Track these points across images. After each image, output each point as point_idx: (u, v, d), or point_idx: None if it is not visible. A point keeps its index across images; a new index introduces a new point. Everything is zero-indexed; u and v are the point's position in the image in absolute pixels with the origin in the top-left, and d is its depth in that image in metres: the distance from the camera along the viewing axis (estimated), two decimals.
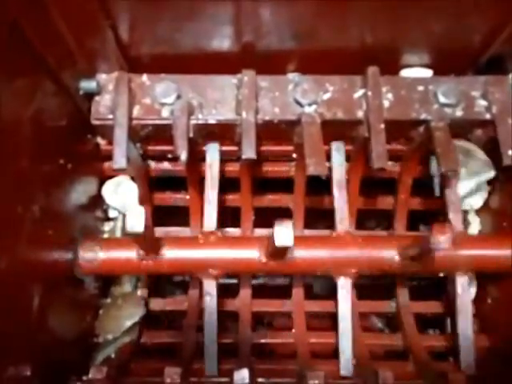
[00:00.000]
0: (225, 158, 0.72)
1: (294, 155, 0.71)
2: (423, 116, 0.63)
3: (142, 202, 0.73)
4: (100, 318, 0.70)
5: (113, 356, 0.69)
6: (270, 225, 0.74)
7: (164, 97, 0.62)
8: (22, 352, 0.50)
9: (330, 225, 0.70)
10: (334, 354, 0.71)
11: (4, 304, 0.46)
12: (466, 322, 0.64)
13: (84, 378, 0.57)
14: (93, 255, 0.63)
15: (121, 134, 0.60)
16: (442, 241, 0.52)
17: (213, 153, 0.68)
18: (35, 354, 0.53)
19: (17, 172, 0.48)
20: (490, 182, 0.75)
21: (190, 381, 0.56)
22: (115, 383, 0.55)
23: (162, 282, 0.80)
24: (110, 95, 0.63)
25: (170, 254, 0.65)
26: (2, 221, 0.45)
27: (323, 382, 0.54)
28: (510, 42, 0.61)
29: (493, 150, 0.64)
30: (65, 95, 0.59)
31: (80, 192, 0.65)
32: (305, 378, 0.55)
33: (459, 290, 0.65)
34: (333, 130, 0.63)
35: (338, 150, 0.68)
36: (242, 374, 0.55)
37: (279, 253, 0.61)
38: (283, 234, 0.52)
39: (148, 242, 0.60)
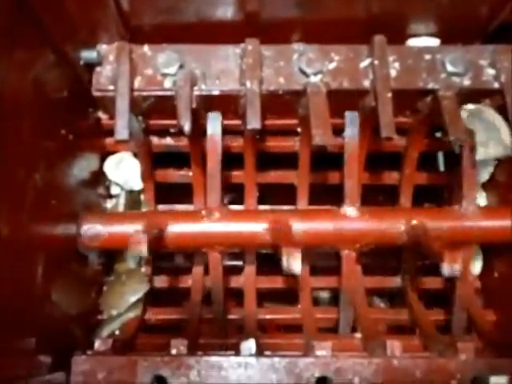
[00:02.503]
0: (227, 133, 0.71)
1: (299, 129, 0.70)
2: (431, 85, 0.62)
3: (144, 178, 0.73)
4: (104, 294, 0.70)
5: (117, 332, 0.69)
6: (274, 202, 0.74)
7: (166, 67, 0.61)
8: (26, 324, 0.50)
9: (334, 201, 0.70)
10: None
11: (7, 273, 0.45)
12: None
13: (89, 351, 0.56)
14: (96, 230, 0.62)
15: (122, 105, 0.59)
16: (454, 269, 0.53)
17: (214, 123, 0.65)
18: (40, 328, 0.52)
19: (18, 138, 0.47)
20: None
21: (197, 354, 0.56)
22: (121, 355, 0.54)
23: (165, 261, 0.79)
24: (111, 66, 0.62)
25: (173, 228, 0.64)
26: (4, 184, 0.45)
27: (331, 353, 0.54)
28: None
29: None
30: (66, 66, 0.58)
31: (82, 167, 0.65)
32: (312, 348, 0.54)
33: None
34: (338, 100, 0.62)
35: (352, 121, 0.65)
36: (249, 345, 0.55)
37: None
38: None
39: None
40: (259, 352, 0.56)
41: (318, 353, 0.53)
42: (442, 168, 0.80)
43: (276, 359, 0.54)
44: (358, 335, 0.66)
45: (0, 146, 0.44)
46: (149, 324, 0.71)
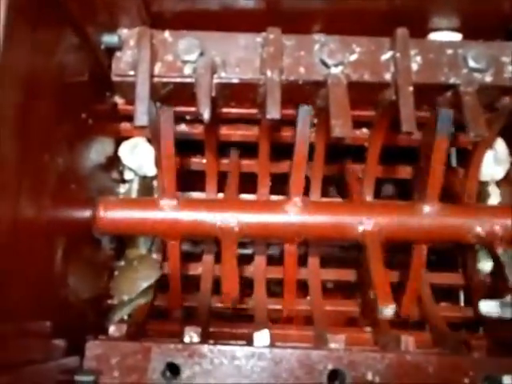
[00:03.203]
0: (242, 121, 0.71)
1: (315, 120, 0.69)
2: (452, 80, 0.61)
3: (158, 164, 0.72)
4: (115, 279, 0.70)
5: (126, 318, 0.69)
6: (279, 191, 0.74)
7: (187, 54, 0.60)
8: (43, 308, 0.50)
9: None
10: (350, 321, 0.71)
11: (28, 255, 0.45)
12: None
13: (101, 336, 0.56)
14: (111, 214, 0.62)
15: (142, 91, 0.58)
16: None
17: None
18: (56, 311, 0.52)
19: (42, 122, 0.47)
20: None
21: (209, 342, 0.56)
22: (134, 341, 0.54)
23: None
24: (131, 51, 0.62)
25: (187, 215, 0.64)
26: (30, 168, 0.45)
27: (344, 346, 0.54)
28: None
29: None
30: (87, 49, 0.57)
31: (98, 151, 0.64)
32: (326, 340, 0.54)
33: None
34: (359, 92, 0.61)
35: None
36: (263, 335, 0.55)
37: None
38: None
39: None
40: (271, 342, 0.56)
41: (332, 345, 0.53)
42: (454, 164, 0.80)
43: (289, 351, 0.54)
44: (369, 329, 0.66)
45: (25, 130, 0.44)
46: (159, 310, 0.71)
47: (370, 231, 0.63)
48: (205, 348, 0.53)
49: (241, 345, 0.55)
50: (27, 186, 0.44)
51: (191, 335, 0.54)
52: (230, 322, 0.68)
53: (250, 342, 0.56)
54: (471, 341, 0.55)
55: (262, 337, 0.55)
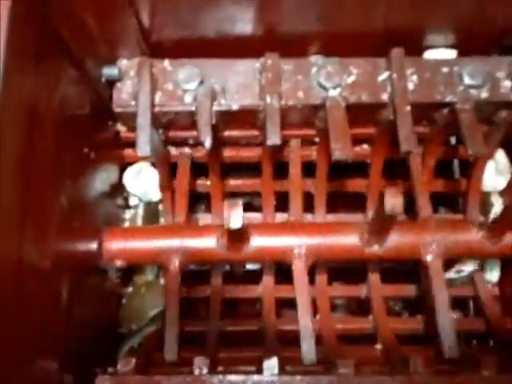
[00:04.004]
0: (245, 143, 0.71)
1: (317, 139, 0.70)
2: (449, 98, 0.62)
3: (162, 188, 0.73)
4: (123, 307, 0.70)
5: (136, 346, 0.69)
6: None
7: (187, 82, 0.61)
8: (51, 343, 0.50)
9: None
10: (360, 339, 0.71)
11: (34, 296, 0.46)
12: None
13: (110, 369, 0.56)
14: (116, 245, 0.63)
15: (144, 121, 0.59)
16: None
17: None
18: (63, 346, 0.52)
19: (45, 159, 0.47)
20: None
21: (218, 371, 0.56)
22: (143, 375, 0.54)
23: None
24: (131, 81, 0.63)
25: (190, 242, 0.64)
26: (36, 211, 0.45)
27: (353, 371, 0.54)
28: None
29: None
30: (87, 82, 0.58)
31: (103, 180, 0.65)
32: (335, 365, 0.54)
33: None
34: (357, 112, 0.62)
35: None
36: (272, 363, 0.55)
37: None
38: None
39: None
40: (280, 367, 0.56)
41: (341, 371, 0.54)
42: (457, 175, 0.80)
43: (298, 378, 0.54)
44: (379, 346, 0.67)
45: (28, 168, 0.44)
46: None
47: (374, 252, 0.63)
48: (214, 379, 0.53)
49: (250, 373, 0.55)
50: (31, 225, 0.44)
51: (200, 367, 0.54)
52: (239, 346, 0.68)
53: (259, 369, 0.56)
54: (481, 357, 0.54)
55: (270, 365, 0.55)
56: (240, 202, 0.52)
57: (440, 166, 0.74)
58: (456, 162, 0.81)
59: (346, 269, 0.76)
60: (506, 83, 0.63)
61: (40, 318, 0.47)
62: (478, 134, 0.59)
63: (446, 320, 0.58)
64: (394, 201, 0.53)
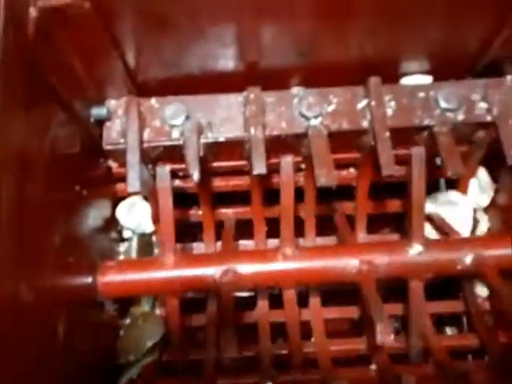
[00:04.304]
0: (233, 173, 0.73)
1: (303, 165, 0.72)
2: (426, 122, 0.64)
3: (155, 220, 0.75)
4: (121, 339, 0.71)
5: (135, 377, 0.70)
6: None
7: (173, 118, 0.64)
8: (50, 380, 0.51)
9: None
10: (356, 360, 0.72)
11: (34, 334, 0.47)
12: None
13: None
14: (111, 278, 0.64)
15: (133, 158, 0.61)
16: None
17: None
18: (62, 378, 0.53)
19: (39, 203, 0.49)
20: (495, 181, 0.76)
21: None
22: None
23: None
24: (120, 120, 0.65)
25: (186, 271, 0.66)
26: (29, 252, 0.47)
27: None
28: (507, 45, 0.63)
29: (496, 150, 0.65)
30: (77, 123, 0.60)
31: (96, 216, 0.67)
32: None
33: None
34: (339, 140, 0.64)
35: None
36: None
37: None
38: None
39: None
40: None
41: None
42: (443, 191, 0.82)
43: None
44: (373, 367, 0.68)
45: (20, 212, 0.45)
46: (168, 365, 0.72)
47: (364, 272, 0.65)
48: None
49: None
50: (26, 264, 0.46)
51: None
52: (236, 373, 0.69)
53: None
54: (471, 375, 0.55)
55: None
56: None
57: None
58: (443, 181, 0.82)
59: (337, 291, 0.77)
60: (481, 105, 0.65)
61: (39, 356, 0.48)
62: (455, 155, 0.61)
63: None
64: None
